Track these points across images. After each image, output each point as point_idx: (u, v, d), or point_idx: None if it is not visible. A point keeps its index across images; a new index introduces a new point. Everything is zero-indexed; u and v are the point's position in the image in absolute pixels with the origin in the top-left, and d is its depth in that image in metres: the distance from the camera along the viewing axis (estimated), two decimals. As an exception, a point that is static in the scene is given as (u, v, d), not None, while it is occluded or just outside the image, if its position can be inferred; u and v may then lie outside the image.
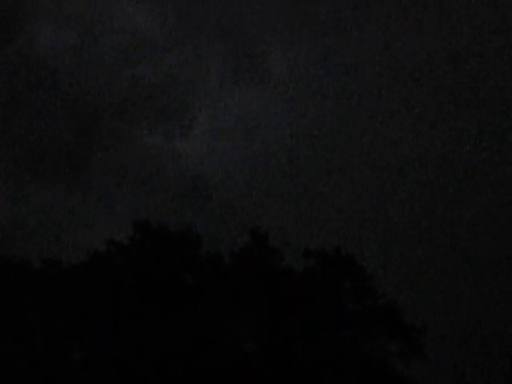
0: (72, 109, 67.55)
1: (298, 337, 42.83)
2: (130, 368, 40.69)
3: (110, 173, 63.65)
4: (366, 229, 54.99)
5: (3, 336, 41.81)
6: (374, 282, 44.64)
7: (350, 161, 62.14)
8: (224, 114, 68.15)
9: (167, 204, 58.31)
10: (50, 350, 41.31)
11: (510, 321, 47.39)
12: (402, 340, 43.22)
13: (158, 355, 41.11)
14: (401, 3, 67.20)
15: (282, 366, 41.88)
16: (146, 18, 71.92)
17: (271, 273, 44.47)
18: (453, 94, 64.87)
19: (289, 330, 42.90)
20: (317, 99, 66.08)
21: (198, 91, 69.36)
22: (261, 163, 62.59)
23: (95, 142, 66.38)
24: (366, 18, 67.31)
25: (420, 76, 65.54)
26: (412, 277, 50.01)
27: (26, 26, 69.76)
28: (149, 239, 45.30)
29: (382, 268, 46.77)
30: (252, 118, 66.55)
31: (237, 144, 65.28)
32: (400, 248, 52.77)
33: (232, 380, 40.72)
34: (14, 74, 68.08)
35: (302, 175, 61.02)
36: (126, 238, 45.40)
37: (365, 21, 67.37)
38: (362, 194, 59.53)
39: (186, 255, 45.20)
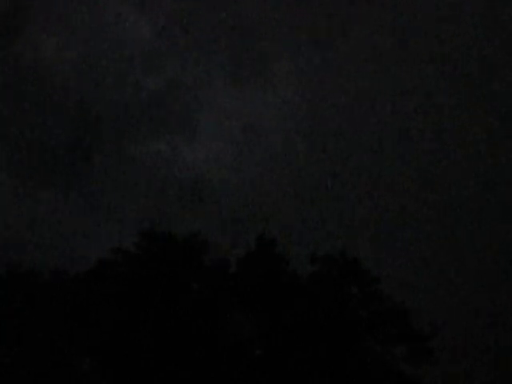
0: (73, 116, 67.47)
1: (305, 342, 42.75)
2: (137, 376, 40.62)
3: (113, 180, 63.50)
4: (372, 232, 54.84)
5: (10, 346, 41.77)
6: (380, 285, 44.58)
7: (355, 164, 62.05)
8: (227, 119, 67.97)
9: (172, 210, 58.08)
10: (57, 360, 41.24)
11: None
12: (411, 344, 43.15)
13: (165, 362, 41.03)
14: (405, 8, 67.23)
15: (289, 371, 41.81)
16: (147, 24, 71.91)
17: (277, 278, 44.43)
18: (454, 98, 64.88)
19: (295, 334, 42.82)
20: (321, 103, 66.01)
21: (200, 97, 69.21)
22: (266, 168, 62.47)
23: (98, 150, 66.29)
24: (370, 22, 67.31)
25: (426, 80, 65.58)
26: (420, 279, 49.83)
27: (26, 30, 69.80)
28: (154, 246, 45.27)
29: (388, 271, 46.66)
30: (256, 123, 66.42)
31: (241, 150, 65.08)
32: (407, 250, 52.66)
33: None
34: (14, 78, 68.05)
35: (308, 179, 60.88)
36: (131, 245, 45.39)
37: (369, 24, 67.37)
38: (367, 195, 59.42)
39: (192, 262, 45.16)
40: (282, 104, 66.82)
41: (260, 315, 43.20)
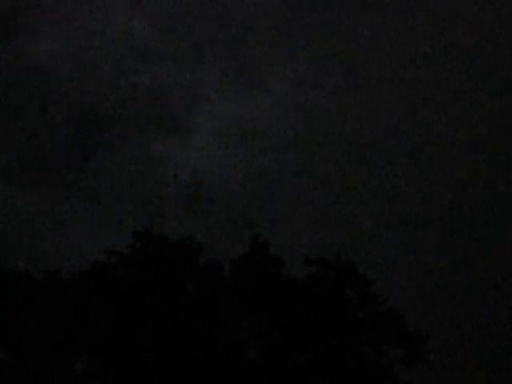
0: (69, 117, 67.49)
1: (301, 344, 42.72)
2: (132, 378, 40.56)
3: (108, 181, 63.53)
4: (367, 234, 54.95)
5: (3, 346, 41.70)
6: (375, 288, 44.56)
7: (352, 166, 62.19)
8: (223, 122, 68.05)
9: (168, 211, 58.21)
10: (51, 361, 41.18)
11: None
12: (406, 346, 43.13)
13: (159, 364, 40.97)
14: (401, 18, 67.51)
15: (285, 374, 41.76)
16: (144, 25, 71.91)
17: (272, 281, 44.38)
18: (452, 99, 64.98)
19: (291, 337, 42.79)
20: (318, 107, 66.15)
21: (196, 99, 69.31)
22: (261, 171, 62.56)
23: (93, 151, 66.30)
24: (367, 27, 67.53)
25: (424, 84, 65.84)
26: (415, 282, 49.96)
27: (24, 30, 69.83)
28: (149, 248, 45.17)
29: (383, 274, 46.70)
30: (252, 125, 66.47)
31: (236, 152, 65.15)
32: (402, 253, 52.74)
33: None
34: (12, 78, 68.04)
35: (303, 183, 61.00)
36: (125, 247, 45.27)
37: (366, 29, 67.59)
38: (364, 198, 59.55)
39: (187, 264, 45.07)
40: (279, 106, 66.96)
41: (256, 317, 43.14)
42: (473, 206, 57.31)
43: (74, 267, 44.77)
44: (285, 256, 45.15)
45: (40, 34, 70.69)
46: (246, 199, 59.09)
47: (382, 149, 62.67)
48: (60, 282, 44.07)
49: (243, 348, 42.85)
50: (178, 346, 41.51)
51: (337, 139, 64.07)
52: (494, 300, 49.02)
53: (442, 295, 49.60)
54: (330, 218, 56.72)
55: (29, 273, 44.58)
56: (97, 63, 70.07)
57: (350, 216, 57.47)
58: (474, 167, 60.28)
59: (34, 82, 67.80)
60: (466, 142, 62.35)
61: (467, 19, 66.33)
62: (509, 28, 65.56)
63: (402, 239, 54.61)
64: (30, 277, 44.37)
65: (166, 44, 71.24)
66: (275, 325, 43.13)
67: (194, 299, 43.72)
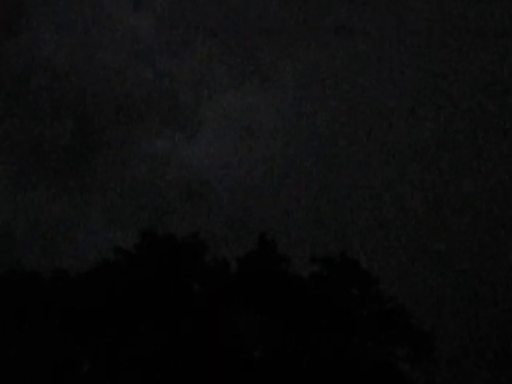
0: (72, 114, 67.50)
1: (306, 342, 42.79)
2: (139, 378, 40.64)
3: (113, 179, 63.55)
4: (373, 233, 55.01)
5: (11, 347, 41.75)
6: (380, 286, 44.63)
7: (355, 165, 62.26)
8: (228, 119, 68.07)
9: (172, 210, 58.20)
10: (58, 361, 41.25)
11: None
12: (411, 345, 43.23)
13: (165, 364, 41.05)
14: (401, 12, 67.56)
15: (290, 372, 41.84)
16: (148, 21, 71.92)
17: (278, 279, 44.44)
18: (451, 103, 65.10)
19: (296, 335, 42.87)
20: (321, 104, 66.17)
21: (201, 96, 69.31)
22: (267, 168, 62.63)
23: (97, 148, 66.31)
24: (370, 24, 67.59)
25: (422, 82, 65.92)
26: (419, 280, 50.02)
27: (25, 27, 69.81)
28: (155, 247, 45.25)
29: (388, 272, 46.76)
30: (257, 122, 66.57)
31: (242, 149, 65.17)
32: (406, 251, 52.81)
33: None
34: (12, 75, 68.03)
35: (308, 180, 61.05)
36: (131, 245, 45.37)
37: (369, 26, 67.63)
38: (368, 196, 59.61)
39: (193, 262, 45.15)
40: (282, 104, 67.04)
41: (262, 315, 43.23)
42: (477, 204, 57.43)
43: (80, 266, 44.89)
44: (290, 254, 45.25)
45: (43, 30, 70.73)
46: (250, 197, 59.16)
47: (387, 147, 62.78)
48: (67, 282, 44.14)
49: (248, 347, 42.94)
50: (183, 345, 41.61)
51: (340, 138, 64.19)
52: (500, 298, 49.13)
53: (448, 294, 49.71)
54: (334, 216, 56.79)
55: (33, 273, 44.65)
56: (101, 60, 70.11)
57: (354, 213, 57.60)
58: (477, 167, 60.40)
59: (36, 79, 67.83)
60: (467, 142, 62.48)
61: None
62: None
63: (408, 237, 54.68)
64: (36, 276, 44.43)
65: (172, 42, 71.29)
66: (280, 323, 43.20)
67: (198, 299, 43.79)
